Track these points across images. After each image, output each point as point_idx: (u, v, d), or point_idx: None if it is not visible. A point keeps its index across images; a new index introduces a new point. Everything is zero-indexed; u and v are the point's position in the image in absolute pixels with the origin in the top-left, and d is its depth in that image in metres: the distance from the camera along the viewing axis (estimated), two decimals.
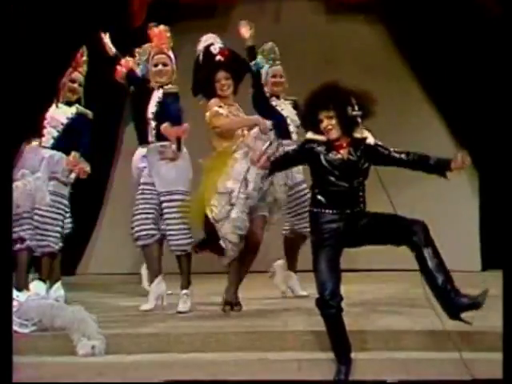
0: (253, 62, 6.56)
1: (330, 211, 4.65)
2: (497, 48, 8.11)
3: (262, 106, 6.59)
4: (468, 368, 4.46)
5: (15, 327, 5.04)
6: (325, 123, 4.69)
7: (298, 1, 9.42)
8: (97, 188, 8.63)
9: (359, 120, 4.67)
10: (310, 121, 4.85)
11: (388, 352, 4.83)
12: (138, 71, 6.67)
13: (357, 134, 4.76)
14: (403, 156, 4.73)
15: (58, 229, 6.19)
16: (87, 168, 6.11)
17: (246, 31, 6.49)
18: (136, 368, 4.84)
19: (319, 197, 4.70)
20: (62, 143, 6.15)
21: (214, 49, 6.02)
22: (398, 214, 4.65)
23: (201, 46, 6.14)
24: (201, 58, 6.11)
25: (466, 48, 8.56)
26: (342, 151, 4.71)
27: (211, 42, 6.12)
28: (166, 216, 6.04)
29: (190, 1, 9.16)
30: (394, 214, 4.67)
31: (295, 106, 6.74)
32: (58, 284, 6.31)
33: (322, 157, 4.70)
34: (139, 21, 8.95)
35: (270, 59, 6.82)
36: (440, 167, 4.69)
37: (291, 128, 6.71)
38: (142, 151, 6.42)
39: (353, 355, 4.61)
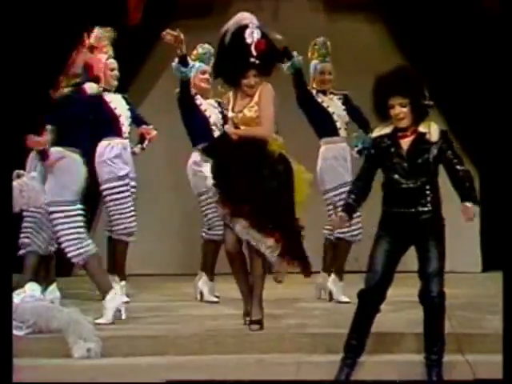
0: (289, 63, 6.33)
1: (395, 210, 4.49)
2: (496, 47, 8.09)
3: (308, 105, 6.47)
4: (472, 369, 4.43)
5: None
6: (397, 110, 4.47)
7: None
8: (92, 189, 8.49)
9: (429, 111, 4.52)
10: (378, 106, 4.58)
11: (388, 355, 4.82)
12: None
13: (423, 129, 4.55)
14: (458, 174, 4.58)
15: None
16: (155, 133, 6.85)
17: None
18: (132, 371, 4.80)
19: (386, 195, 4.54)
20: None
21: (249, 36, 5.17)
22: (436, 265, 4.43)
23: (232, 26, 5.28)
24: (228, 38, 5.25)
25: (466, 47, 8.53)
26: (404, 142, 4.51)
27: (246, 22, 5.25)
28: None
29: None
30: (436, 264, 4.43)
31: (345, 101, 6.66)
32: (54, 286, 6.27)
33: (386, 150, 4.52)
34: (135, 19, 8.91)
35: (321, 55, 6.63)
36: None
37: (338, 124, 6.61)
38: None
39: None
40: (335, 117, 6.60)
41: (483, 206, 8.87)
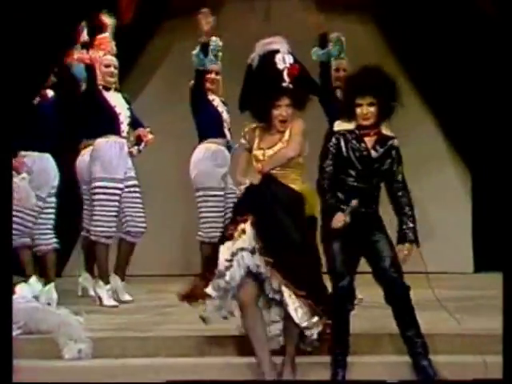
0: (324, 50, 6.26)
1: (345, 207, 4.47)
2: (490, 48, 8.08)
3: (328, 99, 6.23)
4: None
5: None
6: (364, 110, 4.50)
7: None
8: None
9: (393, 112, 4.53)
10: (346, 105, 4.60)
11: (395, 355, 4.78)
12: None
13: (385, 131, 4.60)
14: (398, 193, 4.55)
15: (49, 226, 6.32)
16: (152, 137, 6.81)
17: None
18: (123, 372, 4.77)
19: (337, 192, 4.54)
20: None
21: (281, 61, 4.59)
22: (393, 262, 4.44)
23: (260, 51, 4.76)
24: (256, 63, 4.73)
25: (459, 47, 8.55)
26: (367, 140, 4.54)
27: (276, 47, 4.68)
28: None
29: None
30: (392, 258, 4.45)
31: None
32: (51, 286, 6.28)
33: (347, 145, 4.54)
34: (127, 18, 8.88)
35: (335, 51, 6.46)
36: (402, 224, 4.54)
37: None
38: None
39: (357, 358, 4.59)
40: None
41: (475, 208, 8.95)
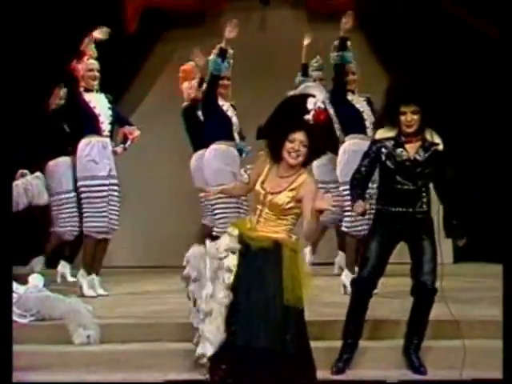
0: (341, 53, 6.46)
1: (393, 209, 4.57)
2: (472, 52, 8.25)
3: (339, 102, 6.38)
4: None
5: (15, 317, 5.10)
6: (408, 117, 4.50)
7: (283, 10, 9.53)
8: None
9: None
10: (389, 112, 4.58)
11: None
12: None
13: (428, 136, 4.60)
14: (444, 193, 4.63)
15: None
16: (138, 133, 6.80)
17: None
18: (129, 356, 4.92)
19: (383, 194, 4.63)
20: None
21: (312, 103, 4.25)
22: (430, 264, 4.57)
23: (301, 89, 4.58)
24: (289, 99, 4.52)
25: (443, 50, 8.61)
26: (409, 147, 4.56)
27: (315, 93, 4.34)
28: None
29: (178, 8, 9.21)
30: (431, 260, 4.57)
31: (369, 103, 6.69)
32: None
33: (388, 153, 4.56)
34: (132, 28, 9.03)
35: (349, 57, 6.64)
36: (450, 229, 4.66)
37: (367, 123, 6.64)
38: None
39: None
40: (364, 115, 6.62)
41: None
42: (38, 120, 7.59)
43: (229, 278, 4.15)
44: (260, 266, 4.16)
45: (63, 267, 7.56)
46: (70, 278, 7.28)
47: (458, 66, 8.53)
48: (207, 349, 4.15)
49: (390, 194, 4.61)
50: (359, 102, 6.69)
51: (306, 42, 6.77)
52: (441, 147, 4.60)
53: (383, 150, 4.60)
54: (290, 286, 4.10)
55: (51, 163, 7.10)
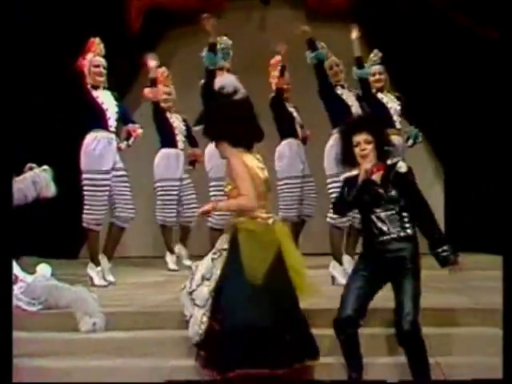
0: (313, 54, 6.64)
1: (377, 239, 4.49)
2: (471, 52, 8.31)
3: (328, 96, 6.61)
4: None
5: (23, 306, 5.18)
6: (362, 146, 4.46)
7: (282, 9, 9.58)
8: None
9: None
10: (344, 147, 4.56)
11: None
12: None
13: (390, 161, 4.56)
14: (420, 209, 4.51)
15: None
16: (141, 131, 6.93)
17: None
18: (133, 344, 4.99)
19: (363, 225, 4.58)
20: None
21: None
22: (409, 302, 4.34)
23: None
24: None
25: (439, 51, 8.67)
26: (376, 176, 4.52)
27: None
28: None
29: (180, 7, 9.27)
30: (411, 297, 4.36)
31: (358, 98, 6.78)
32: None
33: (360, 186, 4.49)
34: (136, 28, 9.09)
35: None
36: (434, 247, 4.49)
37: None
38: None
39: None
40: (353, 110, 6.66)
41: (447, 197, 9.22)
42: (38, 120, 7.68)
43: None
44: (231, 252, 4.47)
45: (180, 250, 7.95)
46: (187, 262, 7.56)
47: (458, 66, 8.59)
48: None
49: (370, 229, 4.52)
50: (349, 97, 6.77)
51: (354, 35, 6.82)
52: (399, 166, 4.52)
53: (346, 188, 4.58)
54: (249, 265, 4.35)
55: None
